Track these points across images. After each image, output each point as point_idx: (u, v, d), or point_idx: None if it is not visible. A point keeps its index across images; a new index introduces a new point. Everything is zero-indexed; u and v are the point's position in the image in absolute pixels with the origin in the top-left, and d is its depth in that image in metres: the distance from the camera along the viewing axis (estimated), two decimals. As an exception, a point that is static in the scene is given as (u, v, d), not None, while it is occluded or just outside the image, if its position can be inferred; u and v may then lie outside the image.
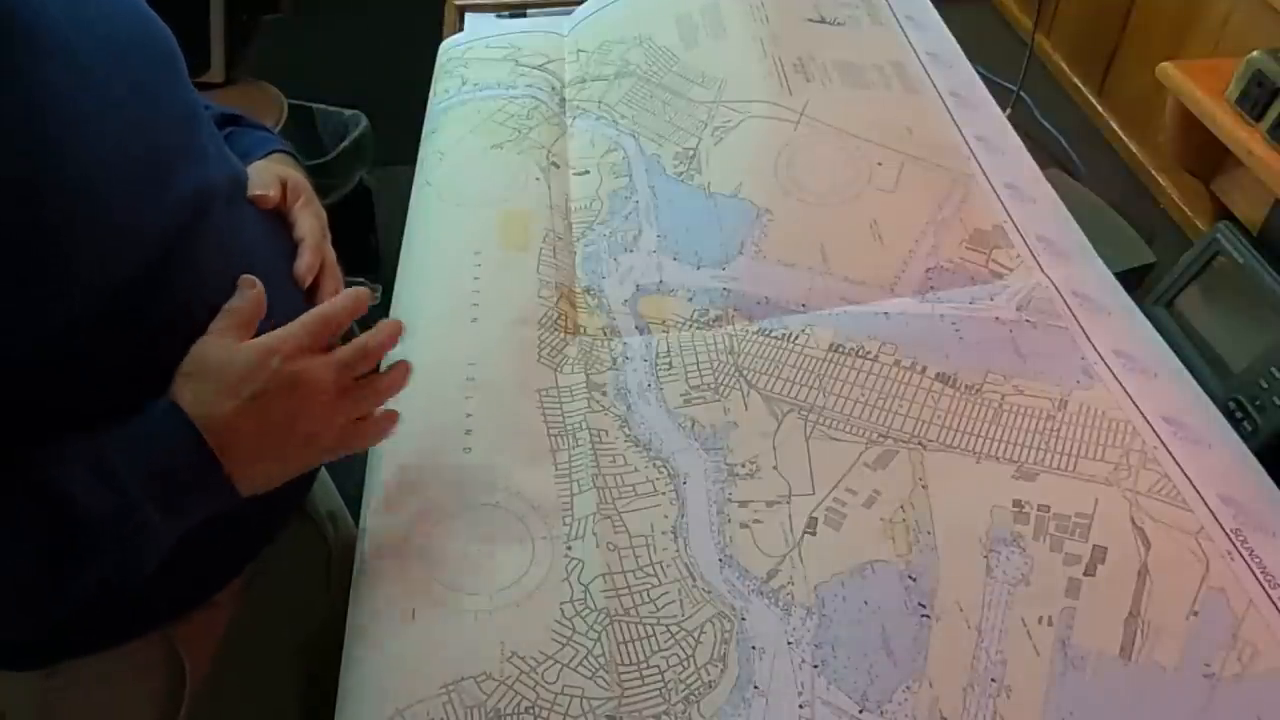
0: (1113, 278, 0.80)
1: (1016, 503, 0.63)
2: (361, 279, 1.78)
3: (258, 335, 0.55)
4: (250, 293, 0.56)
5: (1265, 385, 0.84)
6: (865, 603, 0.59)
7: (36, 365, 0.49)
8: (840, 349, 0.73)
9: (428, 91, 1.04)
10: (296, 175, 0.70)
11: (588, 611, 0.59)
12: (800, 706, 0.55)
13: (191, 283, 0.55)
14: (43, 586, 0.49)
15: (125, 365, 0.53)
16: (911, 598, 0.59)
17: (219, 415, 0.51)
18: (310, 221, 0.67)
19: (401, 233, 0.87)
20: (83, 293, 0.48)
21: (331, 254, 0.69)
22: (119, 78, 0.52)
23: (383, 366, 0.63)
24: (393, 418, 0.62)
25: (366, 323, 0.61)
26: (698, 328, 0.77)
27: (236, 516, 0.54)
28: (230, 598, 0.65)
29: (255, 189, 0.65)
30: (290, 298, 0.65)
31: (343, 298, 0.59)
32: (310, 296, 0.66)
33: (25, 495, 0.48)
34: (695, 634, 0.58)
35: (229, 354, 0.53)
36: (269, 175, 0.67)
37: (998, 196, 0.86)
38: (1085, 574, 0.60)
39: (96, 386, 0.52)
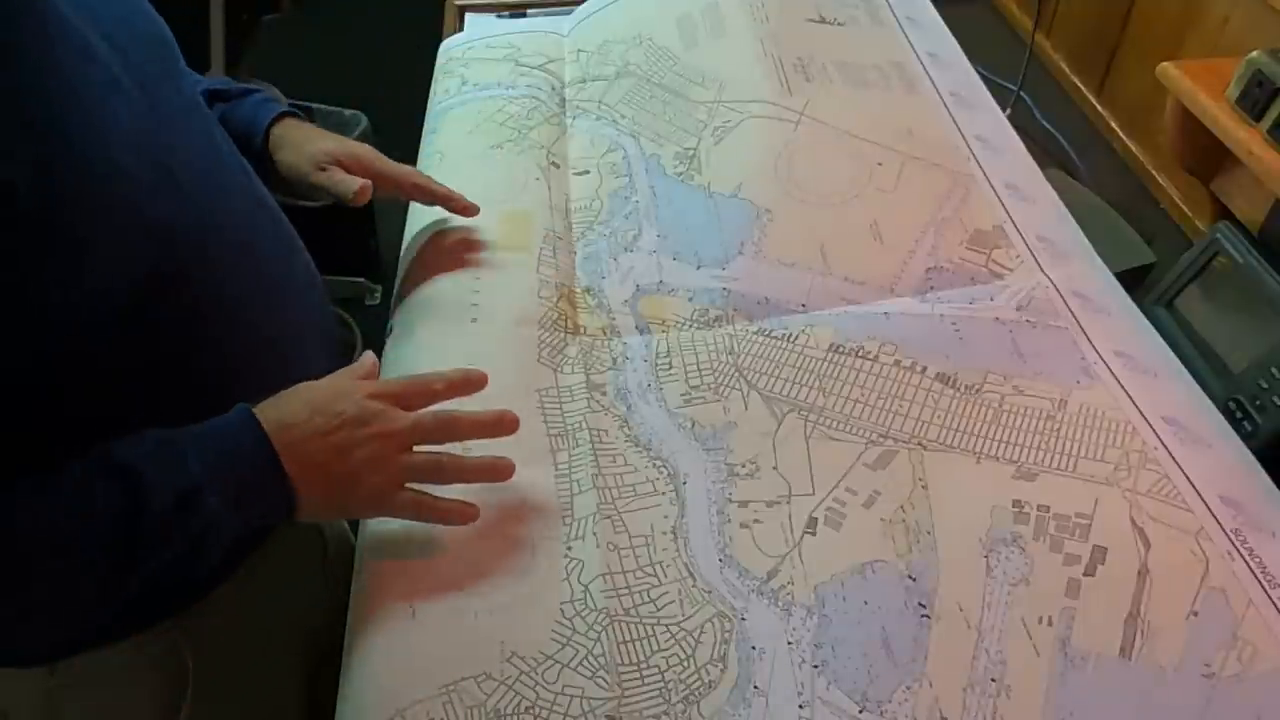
0: (1113, 278, 0.80)
1: (1016, 503, 0.63)
2: (361, 279, 1.78)
3: (280, 333, 0.57)
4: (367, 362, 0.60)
5: (1265, 385, 0.84)
6: (865, 603, 0.59)
7: (52, 363, 0.48)
8: (840, 349, 0.73)
9: (428, 91, 1.04)
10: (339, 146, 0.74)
11: (588, 611, 0.59)
12: (800, 707, 0.55)
13: (206, 277, 0.55)
14: (113, 569, 0.49)
15: (142, 368, 0.53)
16: (911, 598, 0.59)
17: (294, 425, 0.53)
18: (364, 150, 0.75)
19: (401, 233, 0.87)
20: (99, 285, 0.48)
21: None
22: (122, 66, 0.52)
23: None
24: (465, 514, 0.59)
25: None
26: (698, 328, 0.77)
27: None
28: (227, 594, 0.65)
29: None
30: (300, 295, 0.65)
31: (444, 383, 0.60)
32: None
33: (97, 474, 0.48)
34: (695, 634, 0.58)
35: (322, 380, 0.57)
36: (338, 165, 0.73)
37: (998, 196, 0.86)
38: (1085, 574, 0.60)
39: (112, 388, 0.52)
